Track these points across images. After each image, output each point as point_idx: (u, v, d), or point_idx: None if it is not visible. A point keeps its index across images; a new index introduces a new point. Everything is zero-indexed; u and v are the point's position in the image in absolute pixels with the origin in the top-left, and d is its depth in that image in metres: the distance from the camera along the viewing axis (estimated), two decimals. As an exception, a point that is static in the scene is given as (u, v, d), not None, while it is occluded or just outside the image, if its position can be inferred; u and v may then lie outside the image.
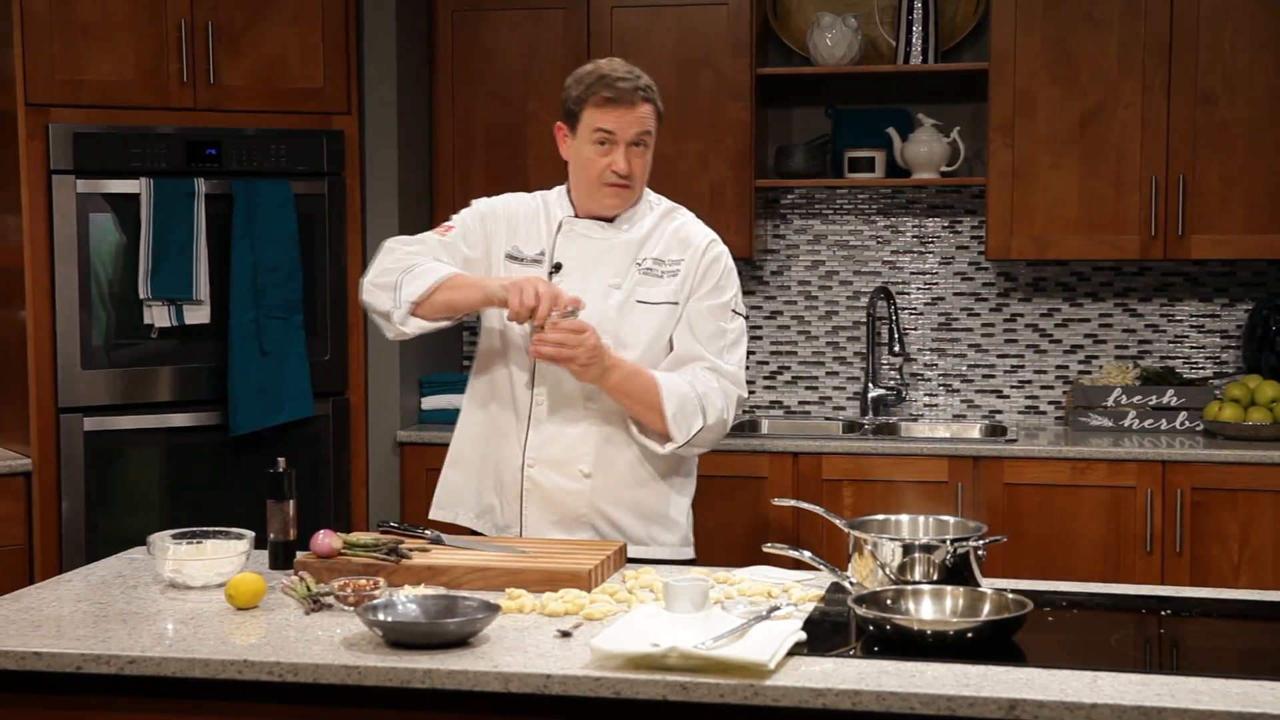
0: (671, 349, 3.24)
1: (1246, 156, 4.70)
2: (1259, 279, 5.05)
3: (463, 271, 3.20)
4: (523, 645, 2.51)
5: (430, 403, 5.14)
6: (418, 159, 5.15)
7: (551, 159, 5.07)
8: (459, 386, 5.11)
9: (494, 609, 2.56)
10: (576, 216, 3.27)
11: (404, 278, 3.14)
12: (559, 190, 3.33)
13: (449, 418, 5.09)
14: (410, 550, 2.96)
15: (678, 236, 3.28)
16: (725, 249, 3.32)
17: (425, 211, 5.19)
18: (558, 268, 3.23)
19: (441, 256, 3.23)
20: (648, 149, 3.22)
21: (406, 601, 2.60)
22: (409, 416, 5.11)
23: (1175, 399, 4.85)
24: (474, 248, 3.28)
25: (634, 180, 3.20)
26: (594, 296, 3.17)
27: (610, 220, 3.26)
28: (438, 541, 3.07)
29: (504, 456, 3.30)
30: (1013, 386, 5.25)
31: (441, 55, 5.16)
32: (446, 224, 3.32)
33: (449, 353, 5.47)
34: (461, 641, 2.50)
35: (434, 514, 3.39)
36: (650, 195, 3.34)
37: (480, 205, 3.34)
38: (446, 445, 4.93)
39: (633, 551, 3.20)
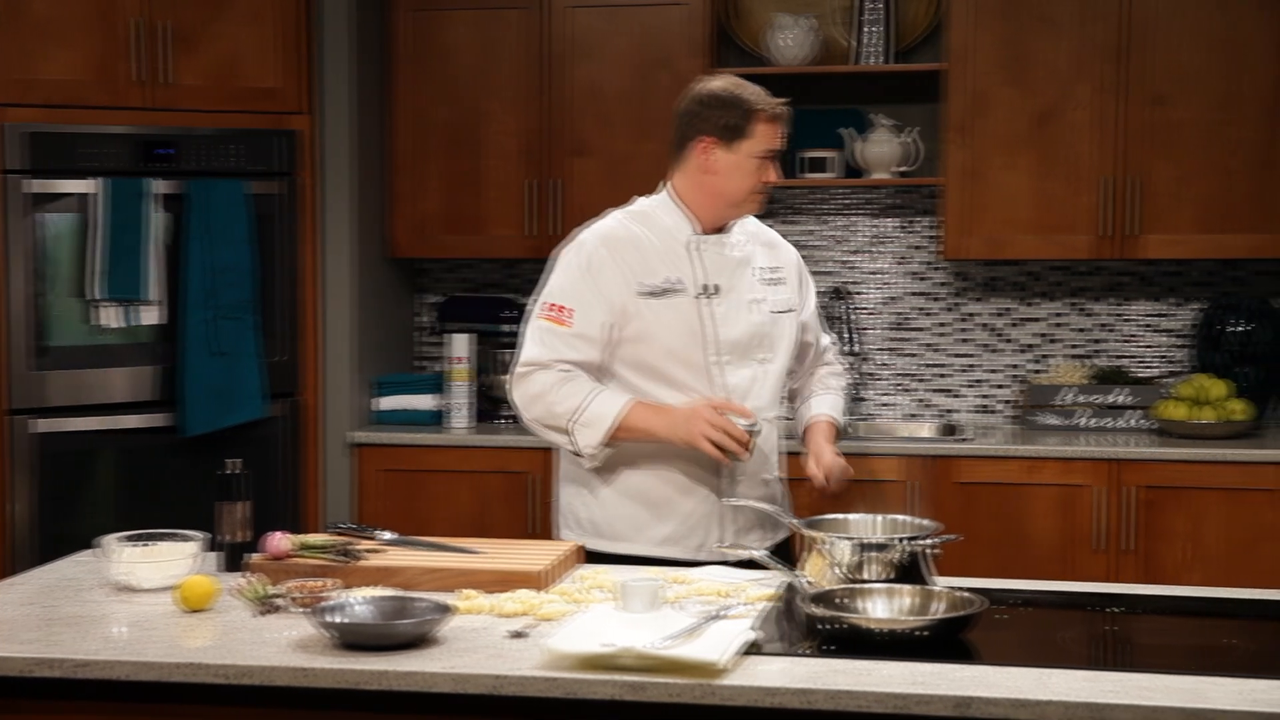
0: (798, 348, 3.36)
1: (1198, 157, 4.73)
2: (1209, 279, 5.09)
3: (622, 411, 3.11)
4: (476, 646, 2.50)
5: (384, 404, 5.13)
6: (374, 159, 5.13)
7: (510, 158, 5.10)
8: (413, 387, 5.12)
9: (447, 610, 2.56)
10: (701, 234, 3.23)
11: (574, 426, 3.12)
12: (660, 206, 3.25)
13: (403, 419, 5.09)
14: (363, 551, 2.94)
15: (761, 242, 3.34)
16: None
17: (380, 210, 5.18)
18: (716, 289, 3.21)
19: (578, 352, 3.14)
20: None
21: (359, 603, 2.59)
22: (363, 418, 5.10)
23: (1126, 398, 4.88)
24: (592, 327, 3.15)
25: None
26: (743, 311, 3.22)
27: (722, 231, 3.26)
28: (391, 543, 3.06)
29: (697, 478, 3.24)
30: (966, 385, 5.28)
31: (399, 55, 5.14)
32: (554, 305, 3.17)
33: (402, 354, 5.46)
34: (414, 643, 2.49)
35: (608, 548, 3.23)
36: None
37: (580, 260, 3.18)
38: (401, 446, 4.96)
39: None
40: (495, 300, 5.35)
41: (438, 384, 5.15)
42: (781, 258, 3.36)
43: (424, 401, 5.11)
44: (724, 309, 3.19)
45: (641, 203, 3.28)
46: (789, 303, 3.32)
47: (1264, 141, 4.70)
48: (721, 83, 3.24)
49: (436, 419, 5.11)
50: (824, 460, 3.29)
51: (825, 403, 3.44)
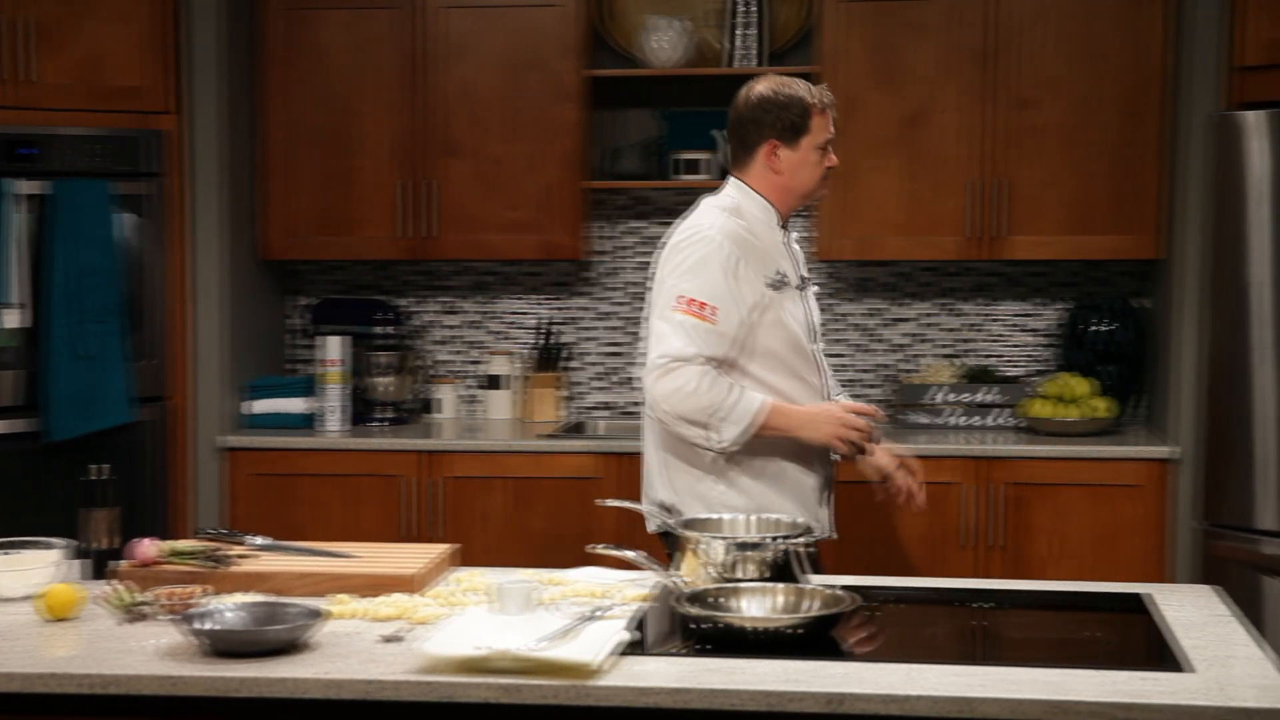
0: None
1: (1061, 160, 4.83)
2: (1074, 279, 5.20)
3: (763, 410, 3.23)
4: (349, 651, 2.48)
5: (256, 407, 5.06)
6: (245, 160, 5.07)
7: (382, 159, 5.06)
8: (285, 390, 5.06)
9: (319, 615, 2.54)
10: (783, 227, 3.45)
11: (718, 422, 3.22)
12: (748, 203, 3.38)
13: (275, 422, 5.03)
14: (233, 557, 2.91)
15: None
16: None
17: (250, 212, 5.11)
18: (804, 281, 3.47)
19: (716, 349, 3.23)
20: None
21: (229, 609, 2.56)
22: (234, 422, 5.03)
23: (994, 396, 4.97)
24: (731, 325, 3.25)
25: None
26: (813, 299, 3.50)
27: (784, 227, 3.47)
28: (263, 548, 3.03)
29: (814, 458, 3.46)
30: (839, 385, 5.32)
31: (270, 54, 5.08)
32: (696, 300, 3.22)
33: (275, 357, 5.40)
34: (286, 649, 2.46)
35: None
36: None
37: (720, 260, 3.25)
38: (273, 450, 4.90)
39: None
40: (369, 302, 5.31)
41: (310, 387, 5.10)
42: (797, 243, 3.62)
43: (296, 405, 5.06)
44: (811, 299, 3.47)
45: (727, 200, 3.40)
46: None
47: (1123, 145, 4.81)
48: (770, 84, 3.41)
49: (309, 422, 5.06)
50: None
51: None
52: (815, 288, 3.54)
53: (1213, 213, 4.33)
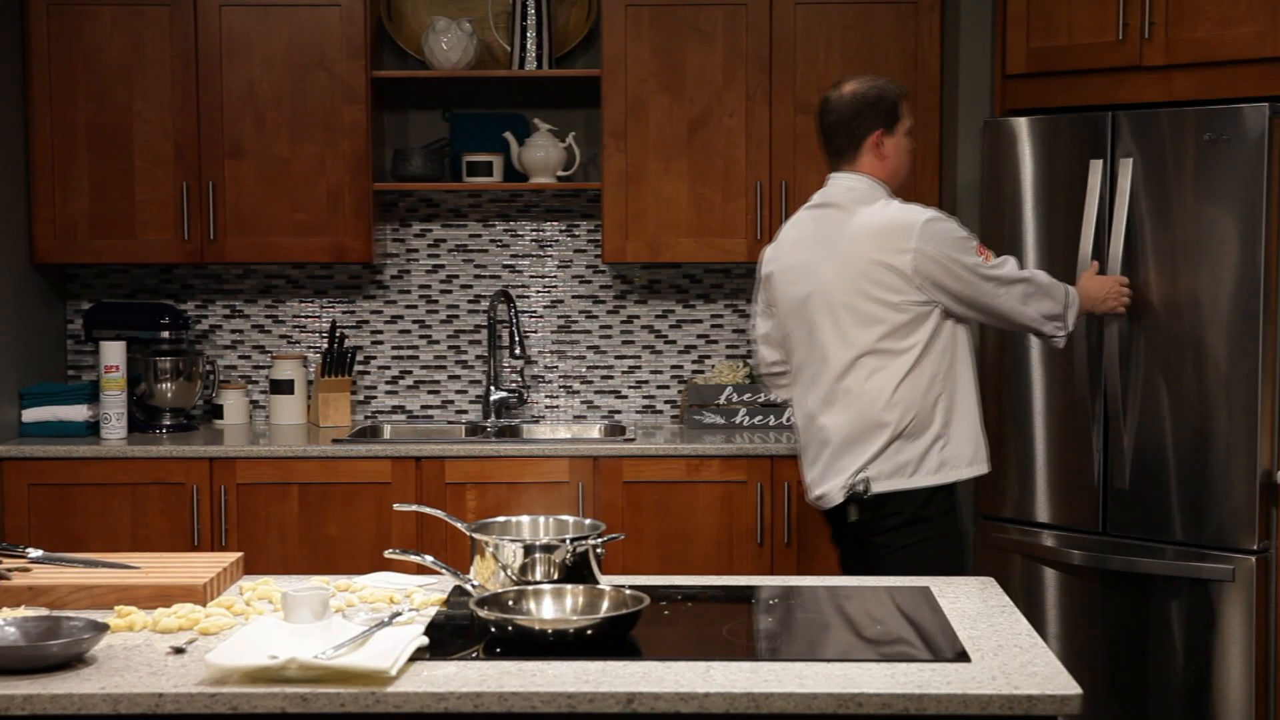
0: None
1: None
2: (857, 280, 5.31)
3: (1078, 293, 3.89)
4: (133, 664, 2.42)
5: (32, 415, 4.89)
6: (12, 159, 4.89)
7: (162, 160, 4.94)
8: (63, 398, 4.90)
9: (102, 628, 2.47)
10: None
11: (1069, 311, 3.83)
12: (885, 191, 3.79)
13: (53, 430, 4.87)
14: (9, 570, 2.81)
15: None
16: None
17: (22, 214, 4.94)
18: None
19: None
20: None
21: (4, 624, 2.48)
22: (8, 430, 4.86)
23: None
24: None
25: None
26: None
27: None
28: (39, 560, 2.93)
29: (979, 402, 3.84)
30: (630, 386, 5.37)
31: (36, 51, 4.91)
32: (981, 243, 3.78)
33: (54, 363, 5.22)
34: (66, 664, 2.39)
35: (979, 472, 3.79)
36: None
37: (953, 219, 3.78)
38: (50, 459, 4.75)
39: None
40: (152, 306, 5.17)
41: (91, 394, 4.95)
42: None
43: (76, 412, 4.90)
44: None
45: (862, 190, 3.77)
46: None
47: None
48: (858, 83, 3.83)
49: (90, 430, 4.91)
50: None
51: None
52: None
53: (985, 216, 4.47)
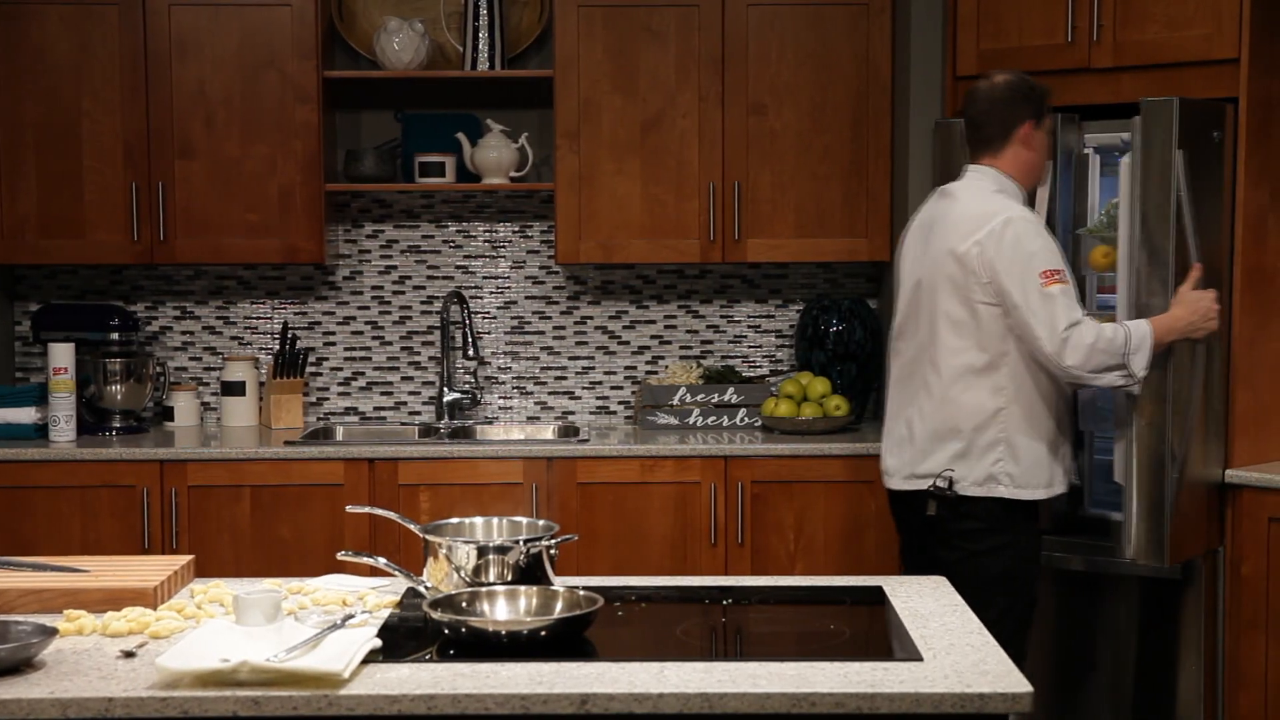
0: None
1: (795, 165, 4.95)
2: (809, 281, 5.34)
3: (1151, 330, 3.75)
4: (82, 669, 2.40)
5: (-20, 418, 4.85)
6: (-39, 160, 4.85)
7: (112, 159, 4.90)
8: (10, 400, 4.86)
9: (50, 632, 2.45)
10: None
11: (1129, 358, 3.69)
12: (1008, 184, 3.81)
13: (1, 433, 4.81)
14: (-43, 575, 2.78)
15: None
16: None
17: (-30, 215, 4.89)
18: None
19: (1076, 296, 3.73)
20: None
21: (-48, 630, 2.45)
22: (-44, 433, 4.81)
23: (735, 396, 5.06)
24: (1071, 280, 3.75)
25: None
26: None
27: None
28: (-12, 565, 2.90)
29: (1069, 427, 3.86)
30: (584, 387, 5.37)
31: (-15, 50, 4.87)
32: (1053, 270, 3.65)
33: (3, 365, 5.17)
34: (14, 669, 2.37)
35: (1044, 494, 3.77)
36: None
37: (1043, 232, 3.73)
38: (5, 463, 4.69)
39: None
40: (101, 307, 5.13)
41: (40, 395, 4.90)
42: None
43: (23, 414, 4.85)
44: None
45: (993, 184, 3.80)
46: None
47: (854, 151, 4.96)
48: (1010, 76, 3.86)
49: (39, 432, 4.86)
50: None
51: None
52: None
53: (940, 216, 4.49)
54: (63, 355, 4.84)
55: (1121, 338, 3.67)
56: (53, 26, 4.88)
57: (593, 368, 5.36)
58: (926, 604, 2.84)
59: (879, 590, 2.96)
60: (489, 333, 5.34)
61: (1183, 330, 3.82)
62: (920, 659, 2.46)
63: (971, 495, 3.74)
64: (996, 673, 2.38)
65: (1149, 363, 3.71)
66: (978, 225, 3.69)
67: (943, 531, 3.79)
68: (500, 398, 5.36)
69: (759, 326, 5.37)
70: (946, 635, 2.61)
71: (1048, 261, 3.65)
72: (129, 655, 2.47)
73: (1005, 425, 3.71)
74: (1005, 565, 3.73)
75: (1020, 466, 3.72)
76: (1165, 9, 4.11)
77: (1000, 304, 3.67)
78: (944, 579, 3.06)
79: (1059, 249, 3.74)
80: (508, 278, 5.34)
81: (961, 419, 3.74)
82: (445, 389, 5.26)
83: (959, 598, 2.90)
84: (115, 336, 5.05)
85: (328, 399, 5.34)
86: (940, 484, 3.74)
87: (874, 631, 2.76)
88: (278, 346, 5.23)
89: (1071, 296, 3.67)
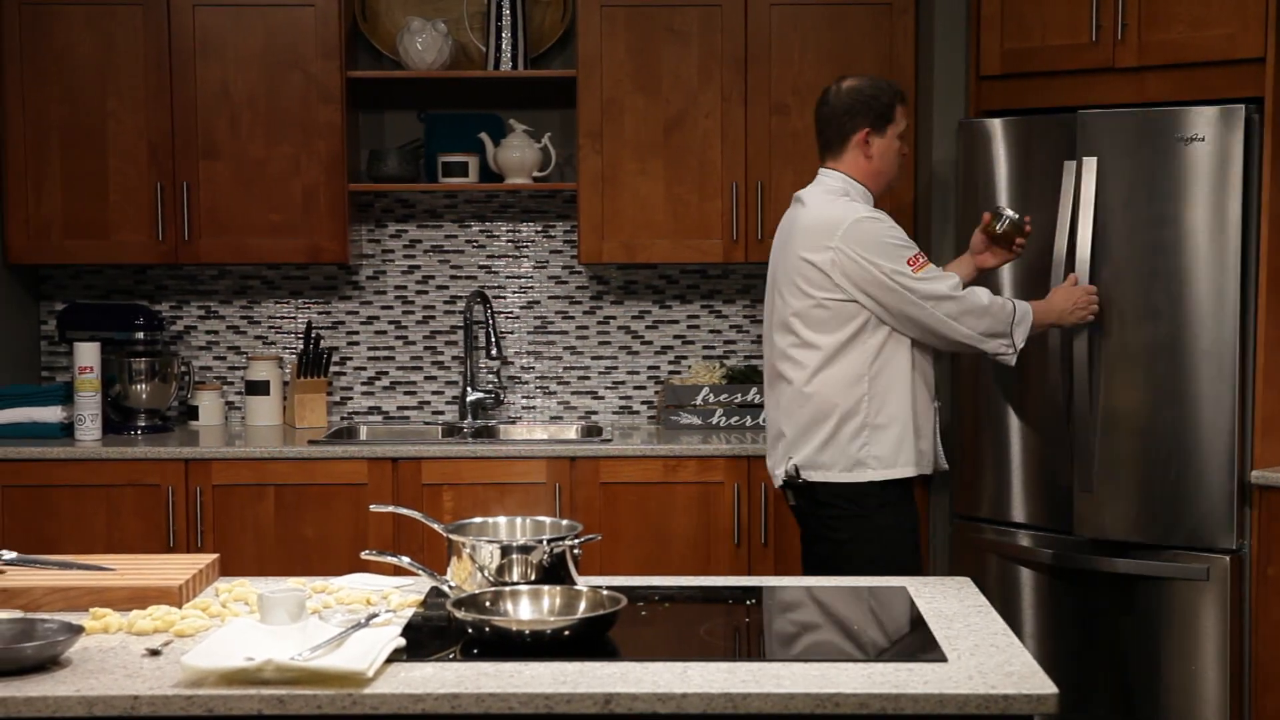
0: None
1: (816, 164, 4.92)
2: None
3: (1032, 308, 3.91)
4: (108, 667, 2.41)
5: (4, 416, 4.86)
6: (-13, 160, 4.87)
7: (137, 160, 4.92)
8: (37, 399, 4.88)
9: (76, 630, 2.46)
10: None
11: (1015, 330, 3.85)
12: (854, 192, 3.88)
13: (27, 432, 4.84)
14: (-17, 573, 2.80)
15: None
16: None
17: (-4, 215, 4.92)
18: None
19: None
20: None
21: (-23, 627, 2.46)
22: (-18, 432, 4.83)
23: (758, 397, 5.06)
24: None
25: None
26: None
27: None
28: (12, 563, 2.91)
29: (931, 407, 3.91)
30: (607, 387, 5.37)
31: (8, 51, 4.89)
32: (918, 254, 3.79)
33: (29, 364, 5.20)
34: (41, 666, 2.38)
35: (881, 476, 3.82)
36: None
37: (891, 222, 3.84)
38: (24, 461, 4.73)
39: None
40: (126, 307, 5.15)
41: (66, 395, 4.92)
42: None
43: (49, 413, 4.87)
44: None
45: (838, 186, 3.89)
46: None
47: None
48: (858, 81, 3.91)
49: (65, 431, 4.88)
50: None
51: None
52: None
53: (961, 216, 4.48)
54: (88, 354, 4.86)
55: (1010, 309, 3.85)
56: (78, 27, 4.90)
57: (616, 368, 5.36)
58: (950, 605, 2.83)
59: (902, 591, 2.95)
60: (512, 332, 5.35)
61: (1056, 316, 4.00)
62: (945, 660, 2.45)
63: (842, 482, 3.82)
64: (1022, 674, 2.37)
65: (1026, 338, 3.87)
66: (828, 232, 3.79)
67: (808, 520, 3.92)
68: (523, 397, 5.36)
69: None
70: (971, 636, 2.60)
71: (907, 249, 3.79)
72: (154, 653, 2.48)
73: (866, 410, 3.81)
74: (881, 550, 3.82)
75: (884, 448, 3.81)
76: (1189, 8, 4.09)
77: (855, 299, 3.77)
78: (968, 579, 3.05)
79: (905, 235, 3.88)
80: (531, 277, 5.35)
81: (822, 411, 3.82)
82: (468, 389, 5.26)
83: (983, 598, 2.89)
84: (140, 336, 5.07)
85: (351, 398, 5.35)
86: (791, 471, 3.86)
87: (897, 632, 2.75)
88: (302, 346, 5.24)
89: (940, 271, 3.84)
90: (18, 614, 2.62)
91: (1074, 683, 4.26)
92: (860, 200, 3.88)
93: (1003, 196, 4.35)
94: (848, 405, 3.81)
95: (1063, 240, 4.17)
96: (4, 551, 2.95)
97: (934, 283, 3.77)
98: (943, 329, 3.79)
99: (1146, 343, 4.10)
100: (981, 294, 3.83)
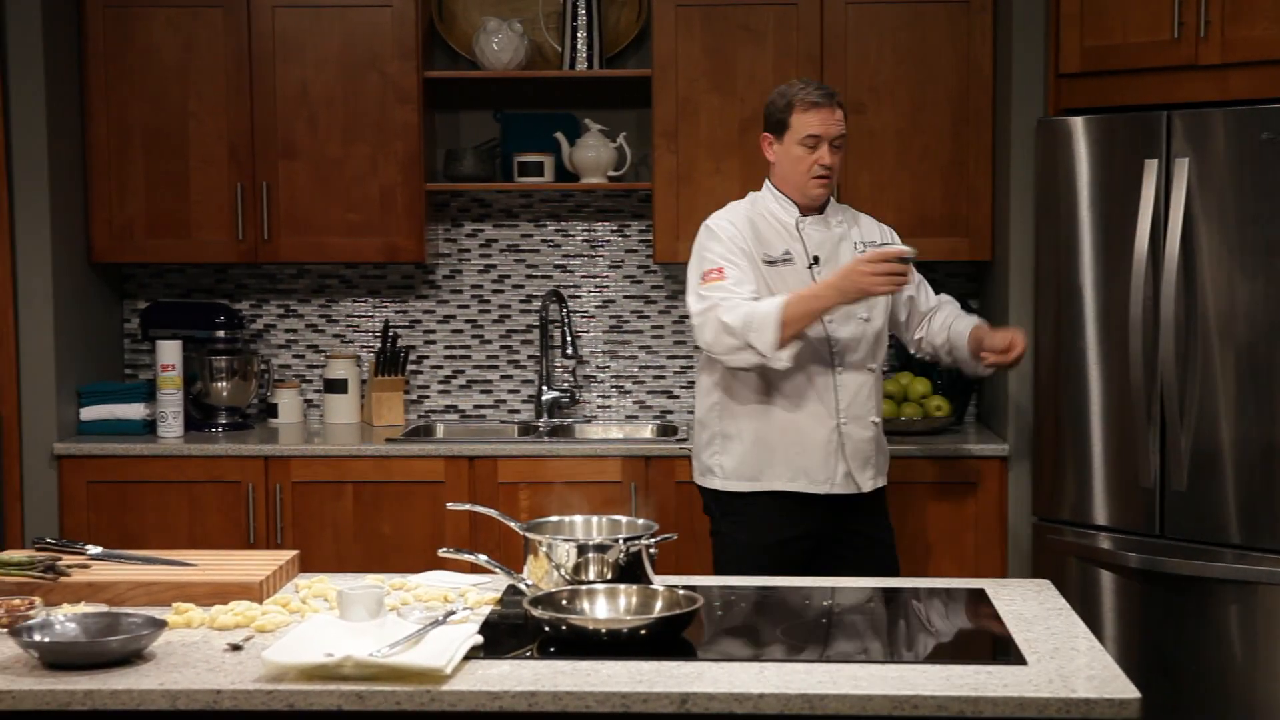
0: (907, 312, 3.99)
1: (894, 164, 4.92)
2: (909, 280, 5.29)
3: (777, 293, 3.70)
4: (191, 660, 2.44)
5: (89, 413, 4.94)
6: (70, 160, 4.94)
7: (217, 160, 4.98)
8: (120, 396, 4.95)
9: (160, 624, 2.49)
10: (804, 215, 3.82)
11: (750, 336, 3.63)
12: (765, 195, 3.87)
13: (111, 429, 4.91)
14: (69, 567, 2.84)
15: (872, 222, 4.00)
16: None
17: (80, 215, 4.99)
18: (816, 260, 3.80)
19: (744, 289, 3.70)
20: (842, 150, 3.83)
21: (64, 620, 2.50)
22: (67, 429, 4.90)
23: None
24: (745, 269, 3.73)
25: (834, 173, 3.81)
26: None
27: (821, 213, 3.85)
28: (98, 557, 2.96)
29: (813, 422, 3.78)
30: (682, 386, 5.37)
31: (93, 53, 4.96)
32: (715, 269, 3.71)
33: (112, 362, 5.27)
34: (125, 660, 2.42)
35: (737, 488, 3.84)
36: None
37: (724, 231, 3.79)
38: (109, 457, 4.79)
39: (880, 480, 3.93)
40: (207, 306, 5.21)
41: (148, 392, 4.99)
42: (879, 232, 3.97)
43: (133, 411, 4.94)
44: (825, 273, 3.74)
45: (752, 195, 3.91)
46: None
47: (954, 150, 4.91)
48: (784, 85, 3.88)
49: (146, 428, 4.95)
50: (999, 334, 3.86)
51: (971, 320, 3.98)
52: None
53: (1039, 216, 4.44)
54: (170, 352, 4.92)
55: (740, 319, 3.63)
56: (160, 29, 4.96)
57: (690, 366, 5.36)
58: (1030, 607, 2.81)
59: (981, 593, 2.93)
60: (587, 331, 5.36)
61: (833, 295, 3.64)
62: (1024, 663, 2.43)
63: (697, 484, 3.95)
64: (1103, 678, 2.35)
65: (777, 341, 3.61)
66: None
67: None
68: (599, 396, 5.37)
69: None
70: (1051, 639, 2.58)
71: (713, 260, 3.74)
72: (235, 648, 2.51)
73: (720, 418, 3.85)
74: (718, 555, 3.93)
75: (731, 459, 3.83)
76: (1274, 4, 4.02)
77: None
78: (1048, 582, 3.03)
79: (743, 244, 3.76)
80: (606, 277, 5.35)
81: (698, 413, 3.94)
82: (544, 387, 5.28)
83: (1063, 601, 2.87)
84: (221, 334, 5.13)
85: (428, 397, 5.38)
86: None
87: (976, 634, 2.73)
88: (379, 345, 5.28)
89: (727, 290, 3.67)
90: (103, 608, 2.66)
91: (1157, 689, 4.20)
92: (761, 203, 3.86)
93: (1083, 194, 4.30)
94: (703, 412, 3.90)
95: (1144, 240, 4.12)
96: (89, 546, 3.00)
97: (699, 300, 3.72)
98: (703, 344, 3.77)
99: (1240, 341, 4.04)
100: (724, 314, 3.65)
